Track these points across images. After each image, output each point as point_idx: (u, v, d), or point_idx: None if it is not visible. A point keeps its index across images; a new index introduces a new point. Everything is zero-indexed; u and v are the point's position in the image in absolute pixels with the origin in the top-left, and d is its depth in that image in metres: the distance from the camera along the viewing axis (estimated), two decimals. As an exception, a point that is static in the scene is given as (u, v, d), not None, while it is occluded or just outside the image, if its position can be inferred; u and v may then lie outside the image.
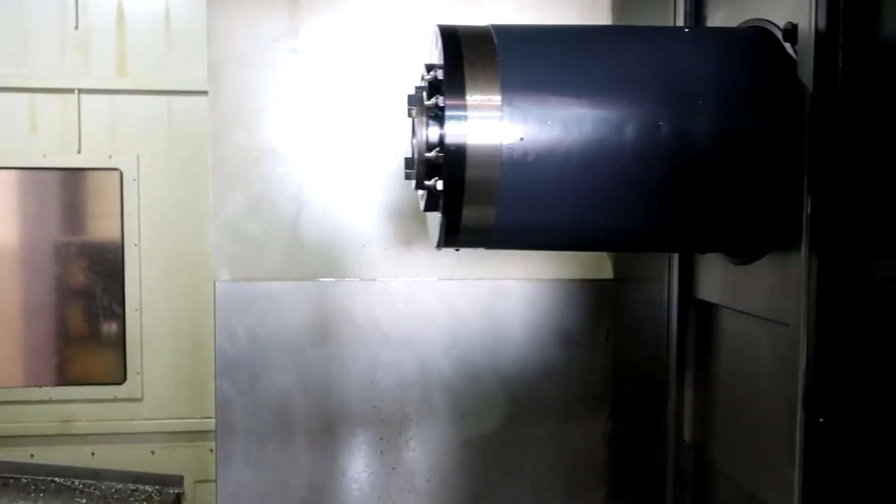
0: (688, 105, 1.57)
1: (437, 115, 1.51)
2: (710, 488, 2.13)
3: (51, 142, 4.78)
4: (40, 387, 4.86)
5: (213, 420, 2.64)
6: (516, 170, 1.52)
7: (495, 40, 1.57)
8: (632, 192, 1.59)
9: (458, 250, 1.69)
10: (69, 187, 4.90)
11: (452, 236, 1.61)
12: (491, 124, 1.51)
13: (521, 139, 1.51)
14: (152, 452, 4.90)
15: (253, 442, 2.63)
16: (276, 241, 2.59)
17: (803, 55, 1.52)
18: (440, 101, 1.50)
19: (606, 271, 2.69)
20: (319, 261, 2.61)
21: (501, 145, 1.50)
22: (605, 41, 1.69)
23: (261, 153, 2.58)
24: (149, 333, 4.86)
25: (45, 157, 4.78)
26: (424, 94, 1.56)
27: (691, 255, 2.11)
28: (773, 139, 1.56)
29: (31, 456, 4.79)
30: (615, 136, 1.54)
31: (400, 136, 2.60)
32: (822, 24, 1.45)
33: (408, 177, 1.62)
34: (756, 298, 1.76)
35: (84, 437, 4.88)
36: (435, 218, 1.64)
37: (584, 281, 2.68)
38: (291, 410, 2.64)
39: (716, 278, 1.98)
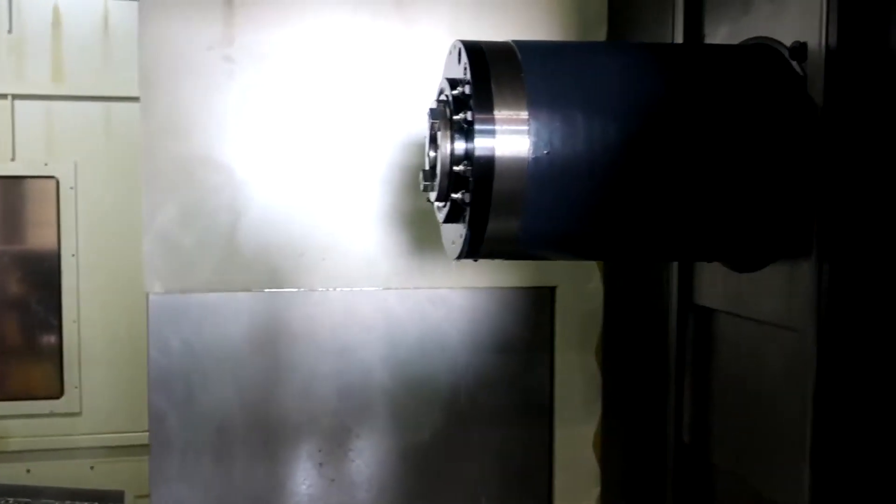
0: (705, 119, 1.66)
1: (464, 130, 1.57)
2: (710, 489, 2.20)
3: (-17, 149, 4.64)
4: (-28, 403, 4.71)
5: (148, 431, 2.58)
6: (542, 183, 1.58)
7: (519, 56, 1.63)
8: (653, 206, 1.66)
9: (476, 261, 1.72)
10: (3, 195, 4.76)
11: (476, 247, 1.65)
12: (518, 138, 1.57)
13: (547, 153, 1.57)
14: (91, 468, 4.79)
15: (189, 456, 2.58)
16: (211, 252, 2.55)
17: (813, 72, 1.60)
18: (468, 115, 1.56)
19: (545, 279, 2.71)
20: (256, 271, 2.58)
21: (528, 159, 1.56)
22: (625, 57, 1.77)
23: (195, 162, 2.54)
24: (87, 346, 4.75)
25: (-23, 164, 4.63)
26: (447, 108, 1.61)
27: (692, 262, 2.19)
28: (785, 153, 1.64)
29: (-36, 474, 4.63)
30: (636, 149, 1.61)
31: (337, 144, 2.60)
32: (833, 42, 1.53)
33: (426, 189, 1.68)
34: (763, 305, 1.83)
35: (20, 454, 4.74)
36: (453, 230, 1.69)
37: (521, 289, 2.70)
38: (228, 423, 2.59)
39: (717, 285, 2.06)
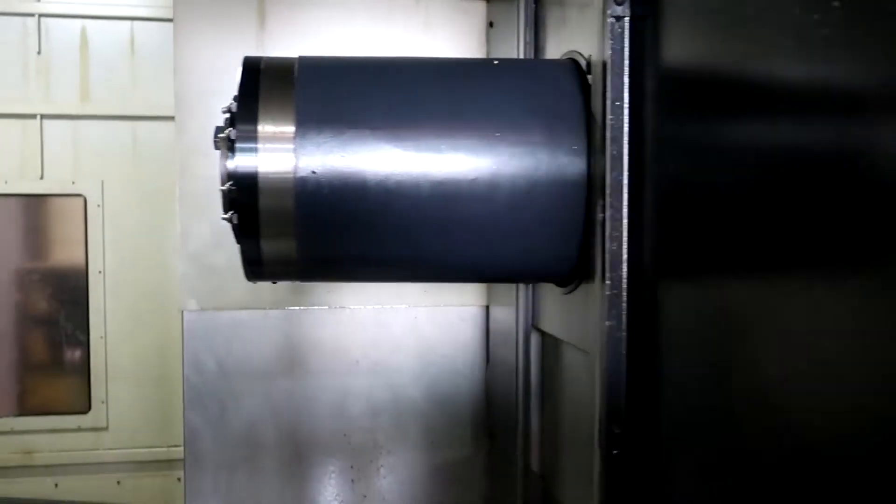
0: (487, 137, 1.55)
1: (233, 147, 1.49)
2: None
3: (12, 168, 4.72)
4: (1, 417, 4.76)
5: (180, 449, 2.61)
6: (312, 202, 1.49)
7: (296, 73, 1.56)
8: (429, 225, 1.56)
9: (275, 283, 1.67)
10: (32, 214, 4.83)
11: (257, 268, 1.58)
12: (283, 156, 1.48)
13: (314, 172, 1.49)
14: (118, 483, 4.82)
15: (222, 473, 2.60)
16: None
17: (595, 87, 1.54)
18: (232, 132, 1.49)
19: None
20: (287, 289, 2.61)
21: (294, 177, 1.48)
22: (410, 75, 1.67)
23: (228, 183, 2.58)
24: (114, 361, 4.79)
25: (6, 183, 4.71)
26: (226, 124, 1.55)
27: (534, 284, 2.08)
28: (571, 171, 1.55)
29: (-8, 489, 4.68)
30: (413, 168, 1.52)
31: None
32: (608, 55, 1.47)
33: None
34: (573, 328, 1.75)
35: (47, 468, 4.78)
36: None
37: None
38: (261, 440, 2.62)
39: (549, 308, 1.97)
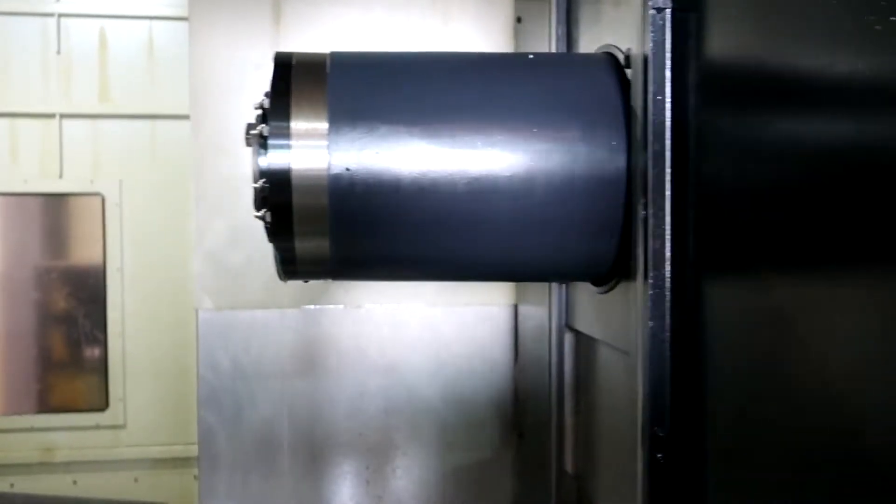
0: (524, 133, 1.52)
1: (265, 144, 1.47)
2: None
3: (32, 167, 4.76)
4: (21, 415, 4.80)
5: (197, 446, 2.61)
6: (345, 200, 1.46)
7: (328, 68, 1.53)
8: (464, 223, 1.53)
9: (306, 282, 1.64)
10: (51, 212, 4.87)
11: (290, 267, 1.55)
12: (316, 153, 1.45)
13: (348, 168, 1.46)
14: (136, 480, 4.85)
15: (237, 472, 2.59)
16: (259, 270, 2.57)
17: (635, 81, 1.49)
18: (264, 129, 1.46)
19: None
20: (303, 288, 2.60)
21: (328, 174, 1.45)
22: (443, 69, 1.64)
23: (244, 181, 2.57)
24: (132, 359, 4.82)
25: (26, 182, 4.75)
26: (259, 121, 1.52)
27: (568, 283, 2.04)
28: (610, 167, 1.52)
29: (11, 485, 4.72)
30: (448, 165, 1.49)
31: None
32: (649, 49, 1.42)
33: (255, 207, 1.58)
34: (610, 327, 1.72)
35: (66, 466, 4.82)
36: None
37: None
38: (276, 440, 2.61)
39: (585, 307, 1.93)
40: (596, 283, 1.74)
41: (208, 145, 2.56)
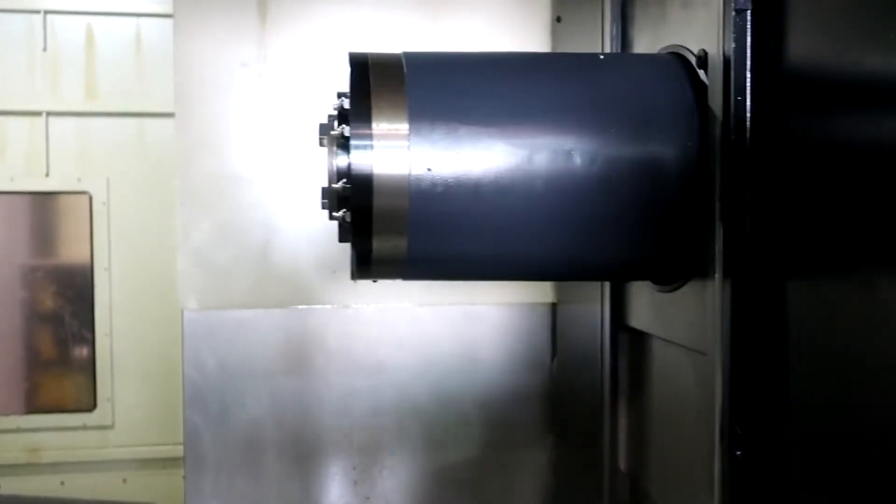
0: (600, 133, 1.55)
1: (345, 145, 1.49)
2: None
3: (18, 165, 4.71)
4: (7, 415, 4.76)
5: (183, 447, 2.58)
6: (425, 200, 1.49)
7: (405, 68, 1.55)
8: (544, 223, 1.56)
9: (375, 281, 1.66)
10: (37, 211, 4.82)
11: (365, 267, 1.58)
12: (398, 154, 1.48)
13: (429, 169, 1.49)
14: (124, 480, 4.82)
15: (223, 473, 2.57)
16: (245, 269, 2.55)
17: (713, 82, 1.51)
18: (346, 130, 1.48)
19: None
20: (290, 288, 2.58)
21: (409, 175, 1.48)
22: (517, 69, 1.67)
23: (229, 179, 2.55)
24: (119, 359, 4.79)
25: (12, 180, 4.71)
26: (335, 122, 1.54)
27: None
28: (685, 167, 1.55)
29: (-2, 487, 4.69)
30: (526, 165, 1.52)
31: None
32: (730, 50, 1.44)
33: (323, 206, 1.59)
34: (678, 327, 1.74)
35: (53, 467, 4.79)
36: (348, 249, 1.61)
37: (556, 305, 2.67)
38: (263, 440, 2.59)
39: (643, 305, 1.95)
40: (660, 282, 1.78)
41: (194, 143, 2.53)
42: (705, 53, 1.55)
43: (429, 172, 1.49)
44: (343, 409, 2.61)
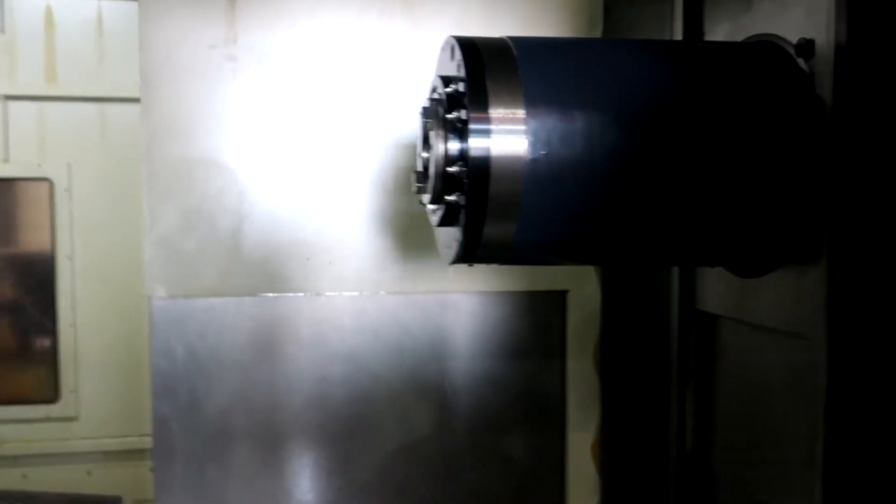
0: (709, 119, 1.59)
1: (458, 129, 1.50)
2: (713, 499, 2.15)
3: (-25, 150, 4.57)
4: (-34, 408, 4.65)
5: (152, 438, 2.53)
6: (539, 185, 1.51)
7: (515, 52, 1.56)
8: (655, 209, 1.60)
9: (471, 265, 1.66)
10: (-4, 197, 4.69)
11: (472, 252, 1.59)
12: (515, 138, 1.50)
13: (545, 154, 1.50)
14: (88, 473, 4.74)
15: (193, 465, 2.52)
16: (214, 256, 2.50)
17: (821, 70, 1.55)
18: (463, 114, 1.49)
19: (556, 283, 2.66)
20: (262, 276, 2.53)
21: (525, 159, 1.50)
22: (622, 54, 1.70)
23: (197, 165, 2.49)
24: (84, 349, 4.69)
25: (-31, 166, 4.57)
26: (440, 107, 1.54)
27: (693, 267, 2.13)
28: (791, 154, 1.60)
29: (-43, 481, 4.57)
30: (639, 151, 1.55)
31: (344, 145, 2.55)
32: (842, 38, 1.48)
33: (419, 191, 1.61)
34: (769, 311, 1.78)
35: (15, 459, 4.69)
36: (449, 233, 1.62)
37: (532, 293, 2.66)
38: (234, 431, 2.54)
39: (720, 290, 2.01)
40: (763, 267, 1.81)
41: (160, 128, 2.46)
42: (806, 42, 1.59)
43: (545, 156, 1.50)
44: (315, 398, 2.57)
